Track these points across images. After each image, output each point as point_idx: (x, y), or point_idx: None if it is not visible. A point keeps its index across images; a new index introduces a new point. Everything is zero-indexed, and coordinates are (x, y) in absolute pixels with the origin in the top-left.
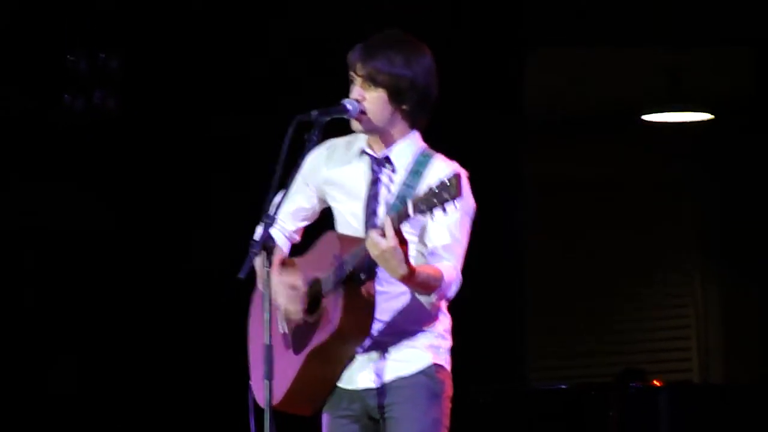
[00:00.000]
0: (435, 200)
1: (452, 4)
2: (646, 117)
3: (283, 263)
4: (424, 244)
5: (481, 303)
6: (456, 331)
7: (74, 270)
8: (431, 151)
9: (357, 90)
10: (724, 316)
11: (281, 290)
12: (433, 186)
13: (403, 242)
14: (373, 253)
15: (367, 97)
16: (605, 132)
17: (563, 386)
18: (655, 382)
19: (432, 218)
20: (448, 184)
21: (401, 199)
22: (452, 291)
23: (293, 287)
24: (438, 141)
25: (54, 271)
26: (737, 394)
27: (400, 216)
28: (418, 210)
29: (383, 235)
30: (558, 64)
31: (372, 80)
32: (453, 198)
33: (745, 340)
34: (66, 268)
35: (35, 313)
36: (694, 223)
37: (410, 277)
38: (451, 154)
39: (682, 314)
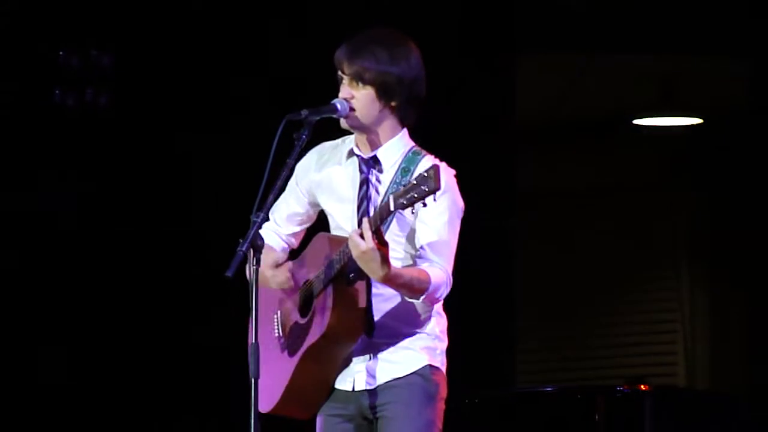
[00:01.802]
0: (415, 194)
1: (442, 9)
2: (637, 122)
3: (277, 265)
4: (413, 246)
5: (472, 307)
6: (447, 335)
7: (63, 265)
8: (421, 150)
9: (345, 89)
10: (711, 322)
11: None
12: (413, 179)
13: (383, 244)
14: (354, 254)
15: (355, 96)
16: (596, 137)
17: (549, 389)
18: (640, 386)
19: (414, 214)
20: (427, 176)
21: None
22: (441, 293)
23: (286, 283)
24: (428, 146)
25: (44, 266)
26: (722, 400)
27: (381, 213)
28: (398, 205)
29: (363, 236)
30: (550, 70)
31: (359, 78)
32: (433, 191)
33: (731, 345)
34: (54, 262)
35: (26, 307)
36: (684, 228)
37: (392, 279)
38: (441, 160)
39: (669, 319)
